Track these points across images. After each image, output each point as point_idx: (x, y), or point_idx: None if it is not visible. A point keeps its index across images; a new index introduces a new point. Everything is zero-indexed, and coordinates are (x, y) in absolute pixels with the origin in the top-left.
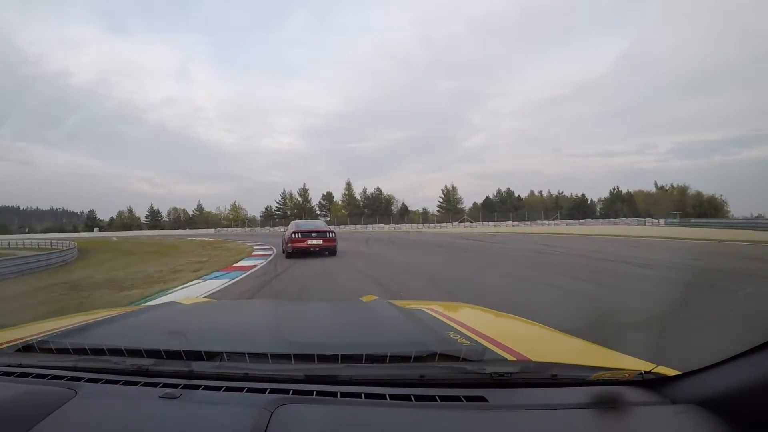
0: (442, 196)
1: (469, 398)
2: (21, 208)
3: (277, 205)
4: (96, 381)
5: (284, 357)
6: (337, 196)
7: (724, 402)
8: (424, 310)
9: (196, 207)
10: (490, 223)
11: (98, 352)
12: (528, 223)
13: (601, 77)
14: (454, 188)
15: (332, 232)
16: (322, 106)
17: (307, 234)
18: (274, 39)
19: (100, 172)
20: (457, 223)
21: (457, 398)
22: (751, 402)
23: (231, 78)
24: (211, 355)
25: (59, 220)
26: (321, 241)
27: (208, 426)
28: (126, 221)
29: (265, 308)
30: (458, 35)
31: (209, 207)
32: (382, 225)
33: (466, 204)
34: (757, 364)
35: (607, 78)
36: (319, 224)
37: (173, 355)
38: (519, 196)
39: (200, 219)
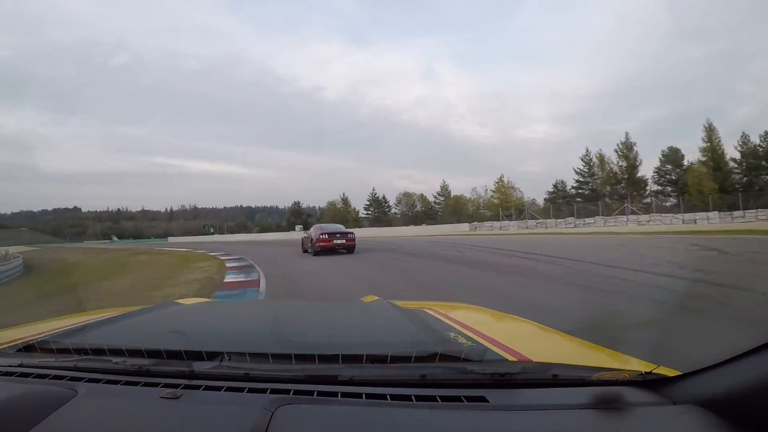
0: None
1: (469, 398)
2: (279, 207)
3: (578, 178)
4: (97, 381)
5: (285, 357)
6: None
7: (725, 402)
8: (425, 310)
9: (440, 189)
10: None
11: (99, 352)
12: None
13: None
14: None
15: (351, 233)
16: (572, 88)
17: (332, 235)
18: (513, 27)
19: (361, 172)
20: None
21: (457, 398)
22: (752, 402)
23: (475, 72)
24: (212, 355)
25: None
26: (343, 241)
27: (209, 426)
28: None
29: (266, 309)
30: None
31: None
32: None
33: None
34: (758, 365)
35: None
36: (340, 227)
37: (174, 355)
38: None
39: (447, 209)
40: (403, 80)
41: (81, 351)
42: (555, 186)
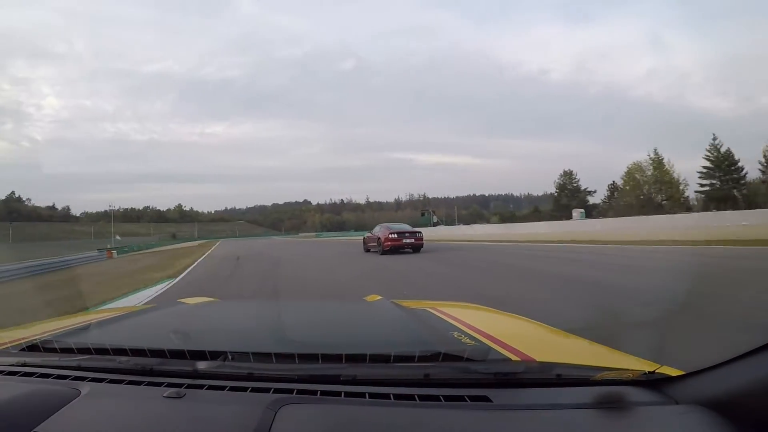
0: None
1: (473, 398)
2: (514, 195)
3: None
4: (100, 380)
5: (288, 357)
6: None
7: (729, 402)
8: (428, 309)
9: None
10: None
11: (102, 351)
12: None
13: None
14: None
15: (419, 232)
16: None
17: (401, 234)
18: None
19: (595, 157)
20: None
21: (461, 398)
22: (756, 402)
23: (706, 33)
24: (215, 355)
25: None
26: (412, 240)
27: (212, 425)
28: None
29: (269, 308)
30: None
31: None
32: None
33: None
34: (762, 364)
35: None
36: (408, 226)
37: (177, 354)
38: None
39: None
40: (630, 52)
41: (84, 350)
42: None
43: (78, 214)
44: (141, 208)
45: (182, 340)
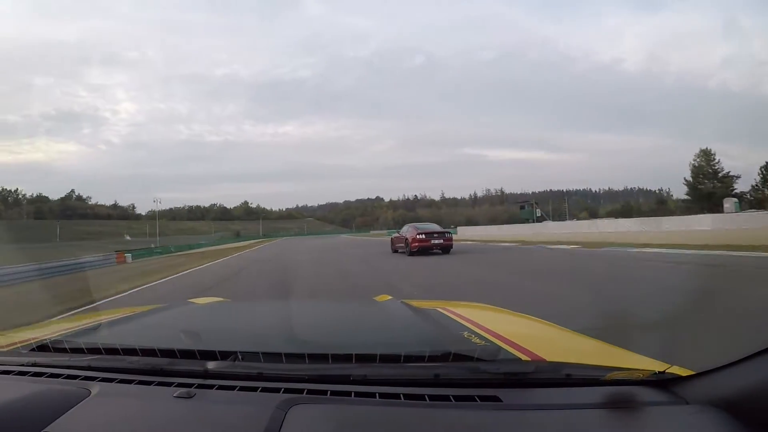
0: None
1: (483, 398)
2: (592, 190)
3: None
4: (110, 380)
5: (298, 357)
6: None
7: (739, 402)
8: (438, 309)
9: None
10: None
11: (112, 351)
12: None
13: None
14: None
15: (449, 232)
16: None
17: (429, 234)
18: None
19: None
20: None
21: (471, 398)
22: (767, 402)
23: None
24: (226, 355)
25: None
26: (441, 241)
27: (222, 425)
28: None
29: (279, 308)
30: None
31: None
32: None
33: None
34: None
35: None
36: (437, 226)
37: (187, 354)
38: None
39: None
40: (706, 40)
41: (94, 350)
42: None
43: (143, 213)
44: (207, 205)
45: (192, 340)
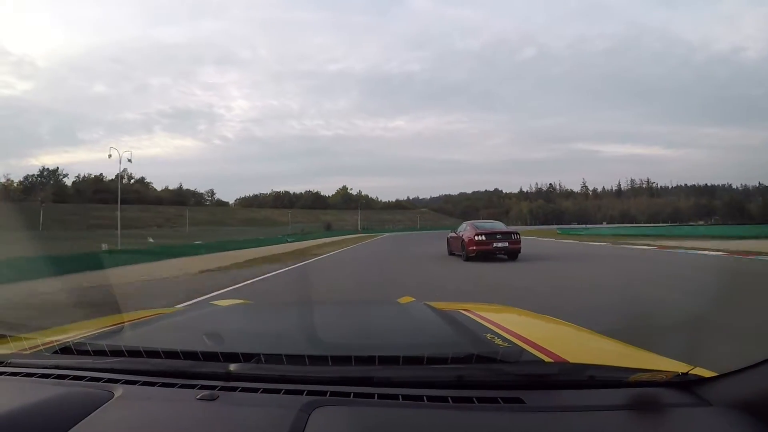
0: None
1: (506, 399)
2: (733, 186)
3: None
4: (133, 383)
5: (321, 359)
6: None
7: (764, 404)
8: (461, 312)
9: None
10: None
11: (135, 353)
12: None
13: None
14: None
15: (516, 233)
16: None
17: (490, 236)
18: None
19: None
20: None
21: (494, 400)
22: None
23: None
24: (248, 357)
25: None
26: (506, 244)
27: (246, 427)
28: None
29: (301, 310)
30: None
31: None
32: None
33: None
34: None
35: None
36: (501, 225)
37: (210, 356)
38: None
39: None
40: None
41: (117, 352)
42: None
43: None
44: (299, 192)
45: (215, 342)
